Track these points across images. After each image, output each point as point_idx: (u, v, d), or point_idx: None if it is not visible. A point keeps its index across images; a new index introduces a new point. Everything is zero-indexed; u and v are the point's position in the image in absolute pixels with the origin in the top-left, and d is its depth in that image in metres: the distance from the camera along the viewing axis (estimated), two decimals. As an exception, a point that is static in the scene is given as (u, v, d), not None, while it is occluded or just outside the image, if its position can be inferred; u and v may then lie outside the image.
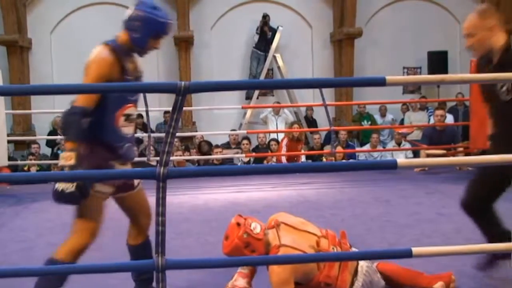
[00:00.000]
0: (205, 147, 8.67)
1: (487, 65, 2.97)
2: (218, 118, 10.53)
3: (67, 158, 2.45)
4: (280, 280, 2.66)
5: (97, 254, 3.91)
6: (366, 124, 10.26)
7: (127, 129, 2.72)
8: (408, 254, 2.19)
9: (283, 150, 7.89)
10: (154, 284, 2.35)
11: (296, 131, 7.90)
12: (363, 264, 2.84)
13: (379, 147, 9.05)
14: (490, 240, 3.11)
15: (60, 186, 2.45)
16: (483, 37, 2.90)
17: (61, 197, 2.48)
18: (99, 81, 2.59)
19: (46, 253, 3.90)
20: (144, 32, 2.76)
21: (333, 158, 7.86)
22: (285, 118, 10.04)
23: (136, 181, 2.82)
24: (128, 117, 2.73)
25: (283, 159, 7.86)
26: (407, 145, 8.74)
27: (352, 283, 2.78)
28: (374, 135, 8.83)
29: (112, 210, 5.02)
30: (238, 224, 2.87)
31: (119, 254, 3.77)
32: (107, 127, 2.63)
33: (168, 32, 2.91)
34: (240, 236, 2.81)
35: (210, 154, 8.22)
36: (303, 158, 8.22)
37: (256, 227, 2.83)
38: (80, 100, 2.53)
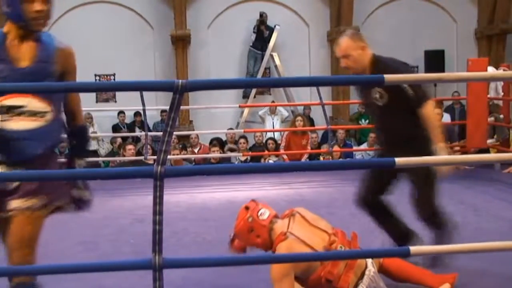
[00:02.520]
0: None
1: None
2: (215, 117, 10.53)
3: None
4: (280, 272, 2.65)
5: (92, 253, 3.91)
6: (364, 123, 10.26)
7: (14, 124, 2.27)
8: (406, 253, 2.19)
9: (283, 144, 7.89)
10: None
11: (298, 129, 7.87)
12: (371, 269, 2.80)
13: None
14: (394, 237, 3.43)
15: (79, 193, 2.45)
16: (358, 56, 3.21)
17: (83, 205, 2.50)
18: None
19: (42, 252, 3.90)
20: (11, 1, 2.25)
21: (330, 157, 7.86)
22: (281, 116, 10.05)
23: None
24: (9, 109, 2.26)
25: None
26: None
27: (356, 285, 2.75)
28: (372, 134, 8.83)
29: (108, 209, 5.02)
30: (247, 208, 2.89)
31: (114, 254, 3.78)
32: None
33: None
34: (245, 220, 2.82)
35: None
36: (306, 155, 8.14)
37: (264, 213, 2.83)
38: None
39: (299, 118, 8.14)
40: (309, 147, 8.06)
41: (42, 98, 2.28)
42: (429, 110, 3.14)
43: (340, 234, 2.84)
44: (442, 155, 3.00)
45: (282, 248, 2.73)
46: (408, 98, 3.12)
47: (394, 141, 3.20)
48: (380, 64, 3.22)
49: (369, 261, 2.82)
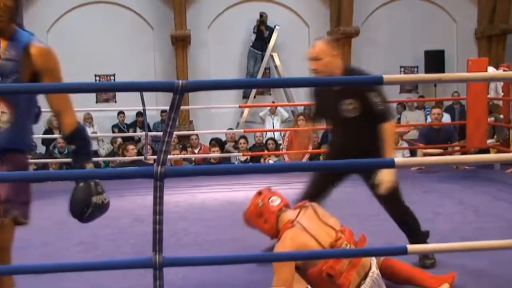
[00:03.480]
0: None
1: (328, 88, 3.36)
2: (215, 117, 10.53)
3: None
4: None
5: (91, 253, 3.92)
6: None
7: None
8: (403, 251, 2.19)
9: (284, 144, 7.87)
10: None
11: (299, 129, 7.85)
12: (374, 271, 2.80)
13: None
14: None
15: (100, 199, 2.36)
16: (328, 62, 3.29)
17: (103, 210, 2.41)
18: None
19: (42, 252, 3.91)
20: None
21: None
22: (281, 117, 10.04)
23: None
24: None
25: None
26: (404, 144, 8.75)
27: (359, 286, 2.74)
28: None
29: (109, 209, 4.98)
30: (260, 193, 2.94)
31: (114, 254, 3.78)
32: None
33: None
34: (255, 204, 2.89)
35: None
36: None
37: (275, 201, 2.88)
38: None
39: (301, 117, 8.12)
40: (310, 147, 8.02)
41: (1, 99, 2.23)
42: (391, 126, 3.32)
43: (347, 232, 2.84)
44: (386, 174, 3.15)
45: (287, 236, 2.74)
46: (376, 113, 3.25)
47: (353, 149, 3.30)
48: (353, 74, 3.34)
49: (374, 263, 2.82)
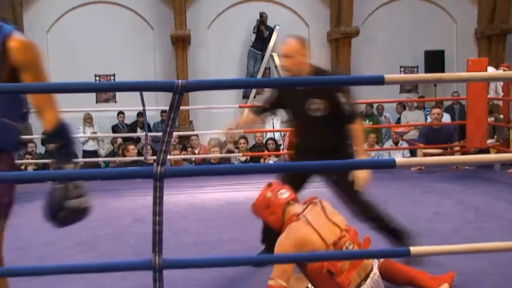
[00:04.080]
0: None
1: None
2: (215, 117, 10.51)
3: None
4: (281, 250, 2.68)
5: (91, 253, 3.91)
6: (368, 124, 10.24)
7: None
8: (406, 253, 2.19)
9: (284, 144, 7.85)
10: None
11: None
12: (376, 272, 2.79)
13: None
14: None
15: (77, 203, 2.14)
16: (299, 61, 3.31)
17: (80, 216, 2.19)
18: None
19: (42, 252, 3.91)
20: None
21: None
22: (281, 117, 10.02)
23: None
24: None
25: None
26: (404, 144, 8.75)
27: (359, 286, 2.73)
28: (372, 135, 8.84)
29: (107, 209, 5.01)
30: (269, 185, 2.97)
31: (114, 254, 3.78)
32: None
33: None
34: (264, 195, 2.92)
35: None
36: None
37: (284, 194, 2.90)
38: None
39: None
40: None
41: None
42: (360, 127, 3.39)
43: (352, 232, 2.83)
44: (361, 174, 3.23)
45: (291, 228, 2.76)
46: (343, 113, 3.28)
47: (319, 148, 3.30)
48: (322, 74, 3.39)
49: (375, 264, 2.81)
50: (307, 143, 3.45)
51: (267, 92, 3.57)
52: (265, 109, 3.64)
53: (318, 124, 3.32)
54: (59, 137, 2.20)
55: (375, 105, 10.59)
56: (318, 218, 2.79)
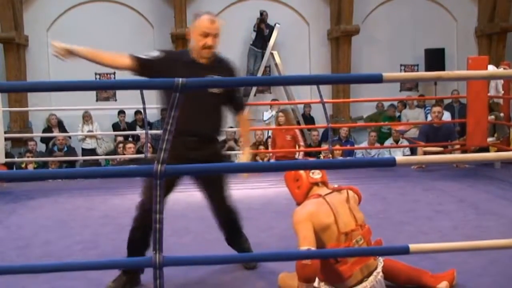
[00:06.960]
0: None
1: (196, 63, 3.12)
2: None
3: None
4: (296, 218, 2.71)
5: (92, 251, 3.92)
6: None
7: None
8: (405, 251, 2.19)
9: (270, 143, 7.86)
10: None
11: (301, 127, 7.82)
12: (380, 271, 2.80)
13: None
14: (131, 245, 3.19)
15: None
16: (218, 40, 3.13)
17: None
18: None
19: (43, 251, 3.91)
20: None
21: (331, 155, 7.85)
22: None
23: None
24: None
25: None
26: (405, 143, 8.75)
27: (361, 282, 2.74)
28: (372, 133, 8.85)
29: (108, 207, 5.00)
30: None
31: (114, 251, 3.78)
32: None
33: None
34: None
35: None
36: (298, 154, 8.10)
37: (316, 174, 2.93)
38: None
39: (280, 113, 8.02)
40: (301, 143, 7.93)
41: None
42: (248, 116, 3.40)
43: (366, 229, 2.85)
44: (245, 158, 3.27)
45: (309, 201, 2.80)
46: (236, 100, 3.25)
47: (203, 133, 3.15)
48: (221, 58, 3.23)
49: (380, 265, 2.82)
50: (189, 125, 3.02)
51: (154, 53, 3.08)
52: (147, 65, 2.97)
53: (208, 104, 3.10)
54: None
55: (375, 103, 10.60)
56: (339, 205, 2.81)
